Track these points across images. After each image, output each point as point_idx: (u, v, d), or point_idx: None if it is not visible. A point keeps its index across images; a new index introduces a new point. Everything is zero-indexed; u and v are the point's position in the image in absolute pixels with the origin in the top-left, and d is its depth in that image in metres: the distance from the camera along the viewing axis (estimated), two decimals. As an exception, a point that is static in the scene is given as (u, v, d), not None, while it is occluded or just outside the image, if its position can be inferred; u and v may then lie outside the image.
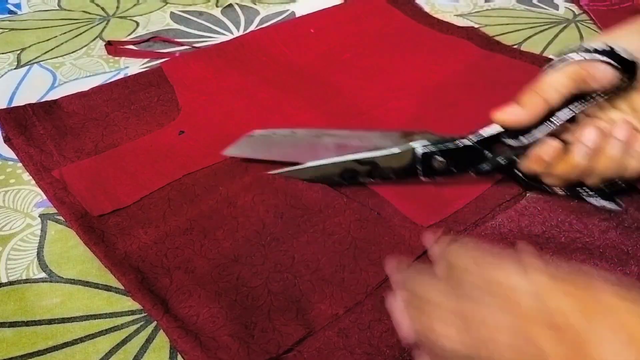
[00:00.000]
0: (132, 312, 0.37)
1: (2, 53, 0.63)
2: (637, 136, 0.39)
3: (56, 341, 0.35)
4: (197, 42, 0.67)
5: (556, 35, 0.70)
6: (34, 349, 0.34)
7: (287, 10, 0.74)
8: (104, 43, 0.65)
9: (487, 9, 0.77)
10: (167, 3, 0.75)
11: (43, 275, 0.39)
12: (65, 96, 0.54)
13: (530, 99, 0.39)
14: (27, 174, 0.47)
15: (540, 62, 0.63)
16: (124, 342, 0.35)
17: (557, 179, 0.41)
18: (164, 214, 0.42)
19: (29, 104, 0.52)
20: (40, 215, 0.43)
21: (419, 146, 0.41)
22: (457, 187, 0.45)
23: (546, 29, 0.72)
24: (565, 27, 0.72)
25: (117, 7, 0.74)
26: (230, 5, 0.75)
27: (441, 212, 0.43)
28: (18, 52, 0.63)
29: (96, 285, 0.38)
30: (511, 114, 0.39)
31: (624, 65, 0.38)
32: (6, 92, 0.57)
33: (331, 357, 0.33)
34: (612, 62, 0.38)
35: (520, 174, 0.42)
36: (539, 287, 0.26)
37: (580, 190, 0.42)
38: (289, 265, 0.39)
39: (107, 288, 0.38)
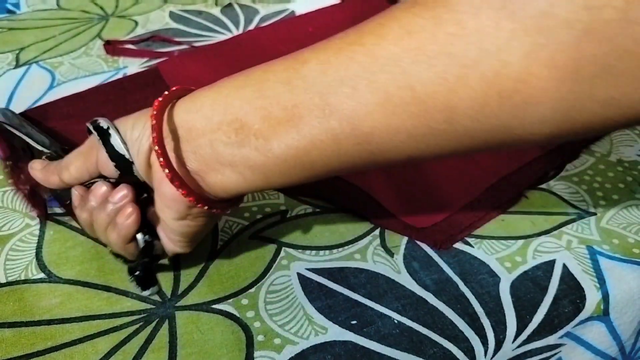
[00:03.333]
0: (132, 313, 0.36)
1: (1, 53, 0.63)
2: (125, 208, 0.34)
3: (55, 342, 0.35)
4: (197, 41, 0.66)
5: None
6: (33, 350, 0.34)
7: (287, 9, 0.74)
8: (103, 42, 0.65)
9: (486, 8, 0.76)
10: (166, 2, 0.75)
11: (42, 275, 0.39)
12: (61, 98, 0.54)
13: None
14: (26, 174, 0.46)
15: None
16: (123, 342, 0.35)
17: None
18: None
19: (23, 112, 0.51)
20: (39, 216, 0.43)
21: None
22: (452, 190, 0.45)
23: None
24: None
25: (116, 7, 0.73)
26: (230, 4, 0.75)
27: (436, 215, 0.43)
28: (17, 51, 0.63)
29: (95, 286, 0.38)
30: None
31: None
32: (5, 91, 0.56)
33: None
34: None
35: None
36: None
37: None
38: None
39: (107, 288, 0.38)
